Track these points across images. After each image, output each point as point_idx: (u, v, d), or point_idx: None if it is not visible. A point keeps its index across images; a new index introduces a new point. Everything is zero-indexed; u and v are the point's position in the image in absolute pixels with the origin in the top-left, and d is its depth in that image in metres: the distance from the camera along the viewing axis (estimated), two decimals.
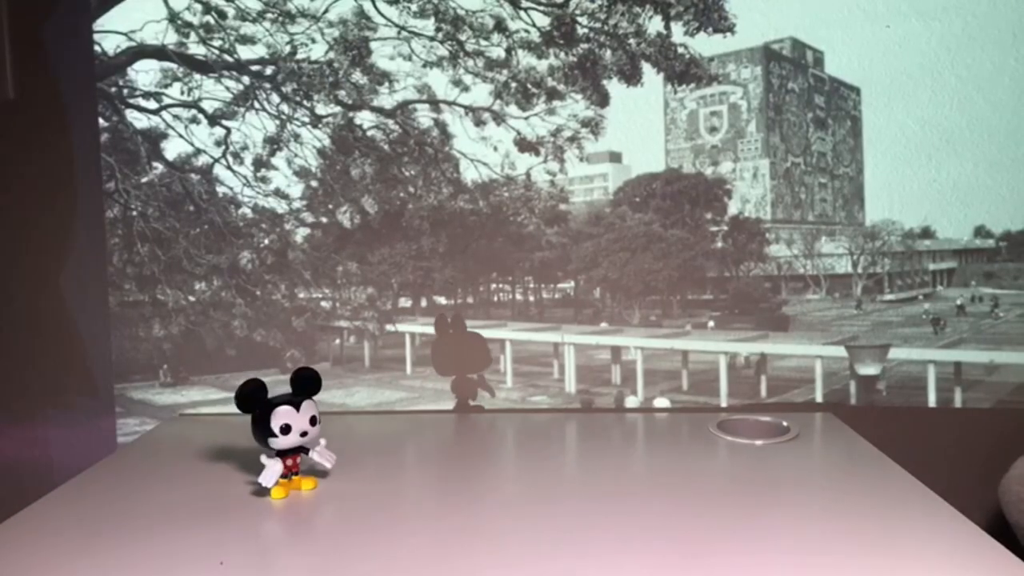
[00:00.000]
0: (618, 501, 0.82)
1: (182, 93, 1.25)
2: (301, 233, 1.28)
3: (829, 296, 1.29)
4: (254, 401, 0.79)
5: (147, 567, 0.67)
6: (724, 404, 1.27)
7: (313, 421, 0.79)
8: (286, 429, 0.77)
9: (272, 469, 0.79)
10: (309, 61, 1.24)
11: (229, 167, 1.26)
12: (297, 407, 0.78)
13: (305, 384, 0.81)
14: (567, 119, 1.25)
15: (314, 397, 0.81)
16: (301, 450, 0.81)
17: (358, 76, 1.24)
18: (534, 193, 1.27)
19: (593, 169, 1.27)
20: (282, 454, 0.80)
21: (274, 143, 1.26)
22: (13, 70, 1.21)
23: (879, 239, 1.26)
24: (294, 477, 0.81)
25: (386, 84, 1.25)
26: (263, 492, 0.80)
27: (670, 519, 0.75)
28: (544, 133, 1.25)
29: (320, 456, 0.81)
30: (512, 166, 1.26)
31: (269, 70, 1.24)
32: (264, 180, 1.27)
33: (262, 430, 0.78)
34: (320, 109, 1.25)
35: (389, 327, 1.30)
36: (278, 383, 1.29)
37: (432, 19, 1.23)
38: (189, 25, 1.24)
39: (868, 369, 1.25)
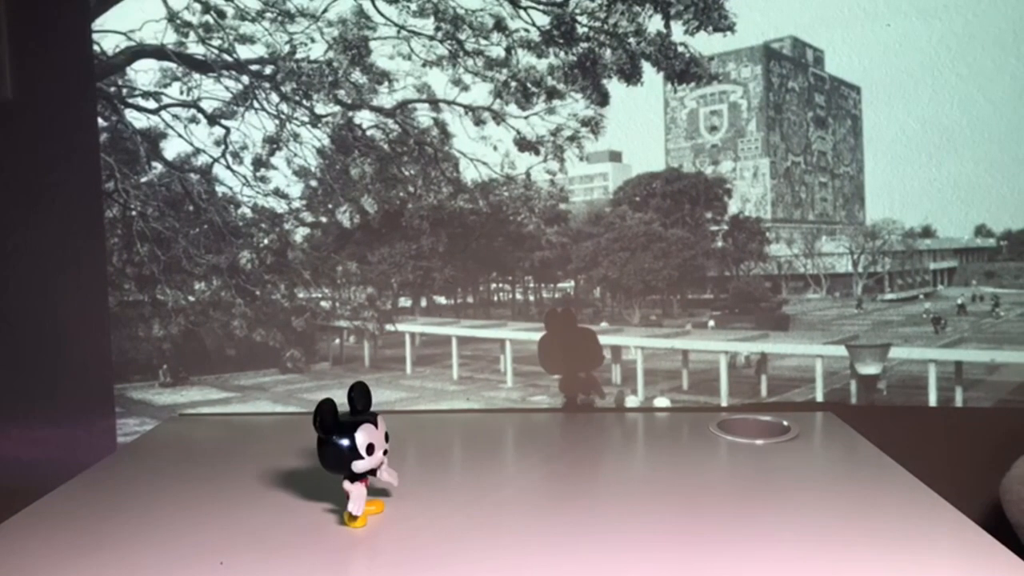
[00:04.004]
0: (618, 501, 0.81)
1: (181, 93, 1.25)
2: (301, 233, 1.28)
3: (829, 295, 1.29)
4: (332, 424, 0.71)
5: (147, 567, 0.67)
6: (724, 404, 1.27)
7: (387, 437, 0.74)
8: (371, 448, 0.71)
9: (360, 493, 0.72)
10: (308, 60, 1.24)
11: (228, 167, 1.26)
12: (375, 423, 0.72)
13: (366, 398, 0.75)
14: (567, 118, 1.24)
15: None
16: (370, 472, 0.74)
17: (357, 75, 1.24)
18: (534, 192, 1.27)
19: (593, 168, 1.27)
20: (354, 478, 0.73)
21: (273, 143, 1.26)
22: (12, 70, 1.21)
23: (879, 238, 1.26)
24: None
25: (385, 83, 1.25)
26: (341, 522, 0.74)
27: (670, 519, 0.75)
28: (544, 132, 1.25)
29: (389, 474, 0.75)
30: (512, 165, 1.26)
31: (268, 69, 1.24)
32: (263, 180, 1.27)
33: (346, 453, 0.71)
34: (319, 108, 1.25)
35: (389, 327, 1.30)
36: (277, 382, 1.29)
37: (432, 18, 1.23)
38: (188, 24, 1.23)
39: (869, 368, 1.25)
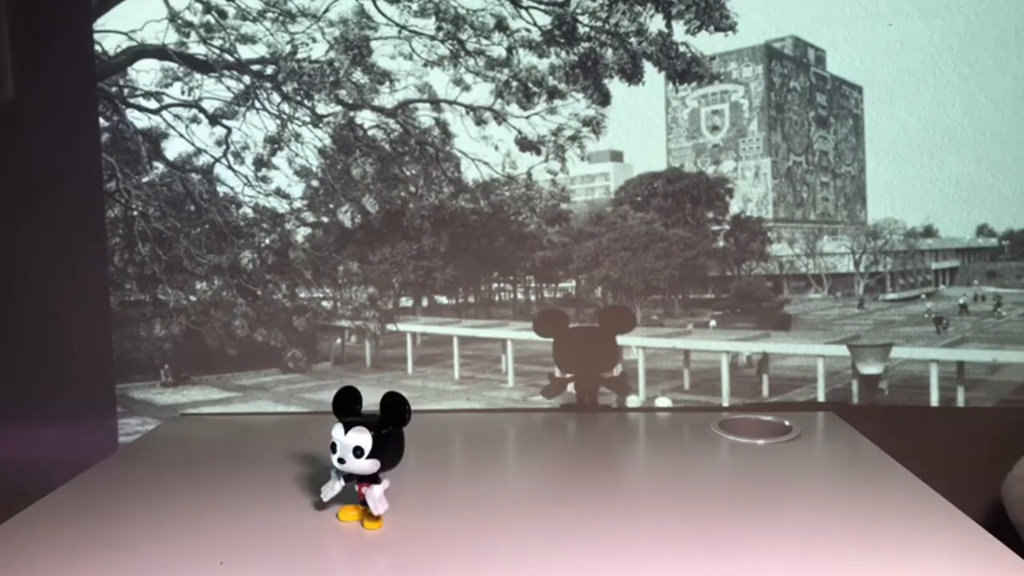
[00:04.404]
0: (619, 501, 0.81)
1: (183, 93, 1.25)
2: (302, 233, 1.28)
3: (831, 295, 1.29)
4: (339, 410, 0.74)
5: (147, 567, 0.67)
6: (726, 403, 1.27)
7: (358, 452, 0.69)
8: (334, 448, 0.71)
9: (332, 484, 0.74)
10: (310, 60, 1.24)
11: (230, 167, 1.26)
12: (347, 430, 0.71)
13: (384, 410, 0.72)
14: (568, 118, 1.24)
15: (395, 427, 0.71)
16: (375, 481, 0.72)
17: (359, 75, 1.24)
18: (535, 192, 1.27)
19: (594, 168, 1.27)
20: (352, 478, 0.73)
21: (275, 143, 1.26)
22: (13, 70, 1.21)
23: (881, 238, 1.26)
24: (366, 508, 0.73)
25: (387, 83, 1.25)
26: (323, 506, 0.76)
27: (671, 518, 0.75)
28: (545, 132, 1.25)
29: (369, 497, 0.72)
30: (513, 165, 1.26)
31: (270, 69, 1.24)
32: (265, 180, 1.27)
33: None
34: (321, 108, 1.25)
35: (390, 327, 1.30)
36: (279, 382, 1.29)
37: (433, 18, 1.23)
38: (190, 24, 1.23)
39: (870, 368, 1.25)
